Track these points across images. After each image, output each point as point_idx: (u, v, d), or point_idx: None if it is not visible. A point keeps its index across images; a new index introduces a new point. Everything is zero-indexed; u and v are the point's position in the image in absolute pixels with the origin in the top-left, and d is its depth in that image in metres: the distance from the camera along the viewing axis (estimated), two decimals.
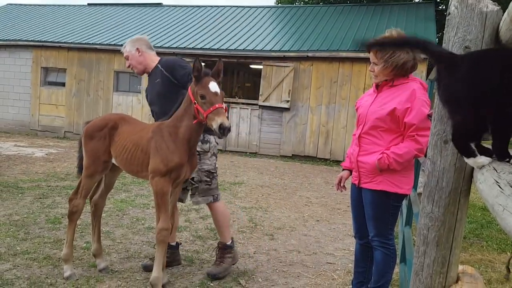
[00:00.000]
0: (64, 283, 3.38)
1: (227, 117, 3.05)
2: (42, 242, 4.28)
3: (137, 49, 3.71)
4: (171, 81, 3.60)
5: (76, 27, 16.55)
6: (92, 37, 15.23)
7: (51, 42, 15.17)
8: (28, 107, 15.67)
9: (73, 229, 3.57)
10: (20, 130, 15.66)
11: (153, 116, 3.89)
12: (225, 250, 3.79)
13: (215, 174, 3.75)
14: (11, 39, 15.72)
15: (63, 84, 15.39)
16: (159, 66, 3.71)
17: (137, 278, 3.62)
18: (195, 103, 3.04)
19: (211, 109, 2.93)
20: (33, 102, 15.58)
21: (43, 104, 15.50)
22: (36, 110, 15.56)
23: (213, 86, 2.99)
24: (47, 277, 3.47)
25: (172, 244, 3.85)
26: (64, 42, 15.03)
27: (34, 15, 18.63)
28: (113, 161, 3.47)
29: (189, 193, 3.81)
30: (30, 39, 15.52)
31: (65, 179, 7.45)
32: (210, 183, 3.71)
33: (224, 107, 2.99)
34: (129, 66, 3.80)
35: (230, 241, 3.84)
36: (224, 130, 2.87)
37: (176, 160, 3.14)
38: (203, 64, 3.10)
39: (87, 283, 3.43)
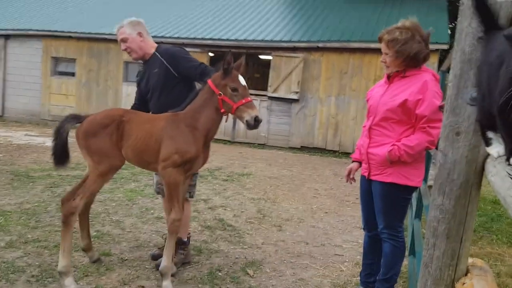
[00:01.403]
0: (75, 271, 3.41)
1: None
2: (53, 230, 4.33)
3: (139, 33, 3.58)
4: (171, 72, 3.52)
5: (86, 17, 16.58)
6: (102, 27, 15.26)
7: (61, 32, 15.21)
8: (38, 97, 15.78)
9: (70, 234, 3.18)
10: (30, 120, 15.80)
11: (135, 103, 3.81)
12: (178, 245, 3.65)
13: (196, 173, 3.73)
14: (21, 28, 15.79)
15: (73, 74, 15.47)
16: (158, 55, 3.60)
17: (146, 266, 3.65)
18: (219, 94, 3.10)
19: (243, 101, 3.09)
20: (44, 91, 15.69)
21: (53, 94, 15.60)
22: (47, 100, 15.67)
23: (243, 80, 3.15)
24: (57, 265, 3.51)
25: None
26: (74, 32, 15.07)
27: (44, 4, 18.67)
28: (122, 153, 3.27)
29: None
30: (40, 29, 15.58)
31: (76, 168, 7.51)
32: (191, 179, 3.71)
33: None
34: (125, 49, 3.62)
35: (186, 238, 3.76)
36: (258, 122, 3.07)
37: (193, 152, 3.14)
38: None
39: (97, 271, 3.47)
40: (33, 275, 3.31)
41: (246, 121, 3.07)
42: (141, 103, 3.80)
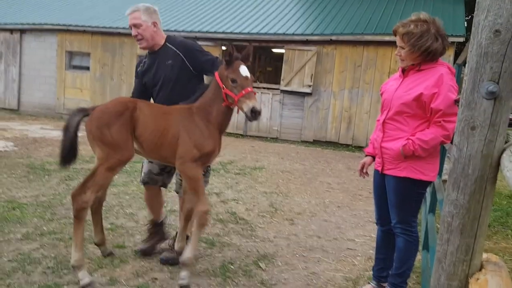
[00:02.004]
0: (89, 263, 3.46)
1: None
2: (68, 222, 4.39)
3: (154, 22, 3.44)
4: (186, 66, 3.46)
5: (100, 11, 16.68)
6: (116, 21, 15.35)
7: (75, 26, 15.35)
8: (53, 91, 15.97)
9: (82, 228, 3.12)
10: (46, 113, 15.99)
11: (134, 95, 3.67)
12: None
13: (209, 168, 3.75)
14: (37, 23, 15.96)
15: (87, 68, 15.62)
16: (172, 46, 3.47)
17: (159, 258, 3.69)
18: (223, 87, 3.03)
19: (243, 92, 2.93)
20: (59, 85, 15.87)
21: (68, 87, 15.78)
22: (62, 94, 15.85)
23: (244, 70, 3.01)
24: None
25: (158, 221, 3.84)
26: (88, 26, 15.18)
27: None
28: (136, 147, 3.20)
29: (178, 177, 3.75)
30: (55, 23, 15.73)
31: (90, 162, 7.59)
32: (204, 175, 3.70)
33: (254, 92, 3.00)
34: (136, 35, 3.43)
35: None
36: (255, 114, 2.89)
37: (211, 146, 3.12)
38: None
39: (111, 263, 3.52)
40: (48, 267, 3.36)
41: (245, 113, 2.94)
42: (142, 95, 3.65)
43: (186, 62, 3.46)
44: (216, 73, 3.14)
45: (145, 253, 3.71)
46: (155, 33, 3.47)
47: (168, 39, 3.56)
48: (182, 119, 3.15)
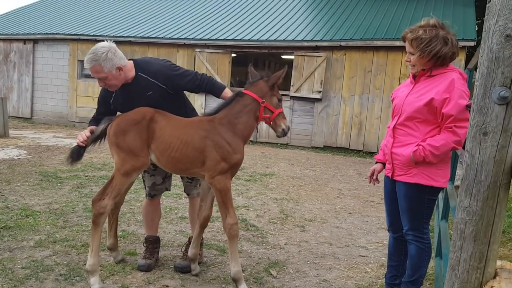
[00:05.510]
0: (101, 270, 3.48)
1: None
2: (80, 230, 4.43)
3: (118, 68, 3.19)
4: (169, 92, 3.38)
5: (111, 20, 16.88)
6: (126, 30, 15.51)
7: (86, 35, 15.53)
8: (66, 99, 16.15)
9: (99, 234, 3.19)
10: (58, 122, 16.17)
11: (98, 117, 3.50)
12: (190, 242, 3.72)
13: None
14: (49, 32, 16.19)
15: None
16: (147, 76, 3.33)
17: (170, 266, 3.70)
18: (262, 102, 3.30)
19: (280, 110, 3.42)
20: (71, 94, 16.05)
21: (80, 96, 15.94)
22: (74, 102, 16.02)
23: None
24: (85, 264, 3.56)
25: (156, 235, 3.83)
26: (100, 35, 15.33)
27: (71, 8, 19.10)
28: (152, 159, 3.25)
29: (185, 181, 3.83)
30: (67, 33, 15.95)
31: (102, 169, 7.66)
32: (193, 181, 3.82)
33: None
34: (105, 85, 3.28)
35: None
36: (287, 131, 3.43)
37: (239, 157, 3.21)
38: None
39: (123, 271, 3.53)
40: (61, 274, 3.39)
41: (282, 129, 3.38)
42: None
43: (168, 90, 3.39)
44: (249, 92, 3.32)
45: (183, 270, 3.61)
46: (122, 76, 3.27)
47: (138, 68, 3.36)
48: (206, 132, 3.18)
